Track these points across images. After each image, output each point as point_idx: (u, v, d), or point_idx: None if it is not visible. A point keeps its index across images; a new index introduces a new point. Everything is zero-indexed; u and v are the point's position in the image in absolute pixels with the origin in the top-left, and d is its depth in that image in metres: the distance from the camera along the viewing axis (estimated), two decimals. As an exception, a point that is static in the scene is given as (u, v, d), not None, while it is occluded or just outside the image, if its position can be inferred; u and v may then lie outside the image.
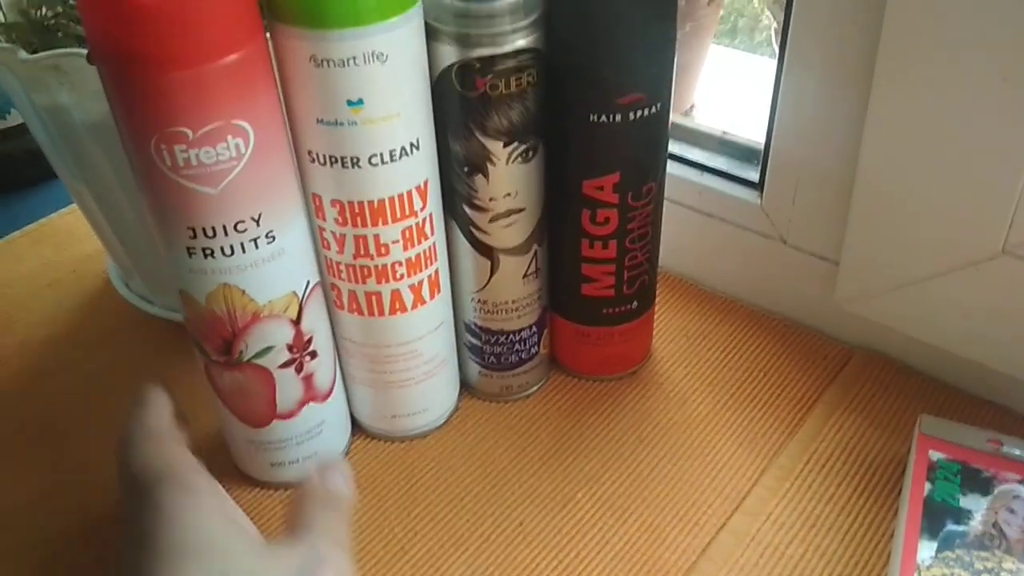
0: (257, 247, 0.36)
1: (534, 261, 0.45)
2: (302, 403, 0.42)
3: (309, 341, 0.40)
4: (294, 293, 0.38)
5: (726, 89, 0.76)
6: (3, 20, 0.44)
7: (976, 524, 0.39)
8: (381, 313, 0.42)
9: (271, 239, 0.36)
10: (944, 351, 0.46)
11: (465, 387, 0.49)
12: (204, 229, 0.35)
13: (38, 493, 0.45)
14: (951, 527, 0.38)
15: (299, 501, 0.34)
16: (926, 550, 0.38)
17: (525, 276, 0.45)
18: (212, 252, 0.35)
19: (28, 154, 0.67)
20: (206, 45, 0.31)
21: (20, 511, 0.44)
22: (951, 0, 0.37)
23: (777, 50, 0.47)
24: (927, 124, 0.40)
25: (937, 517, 0.39)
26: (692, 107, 0.73)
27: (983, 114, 0.38)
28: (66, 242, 0.62)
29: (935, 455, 0.41)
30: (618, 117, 0.40)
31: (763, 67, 0.73)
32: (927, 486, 0.40)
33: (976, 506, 0.39)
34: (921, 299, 0.45)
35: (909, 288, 0.45)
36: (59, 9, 0.42)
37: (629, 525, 0.42)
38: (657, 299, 0.50)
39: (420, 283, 0.41)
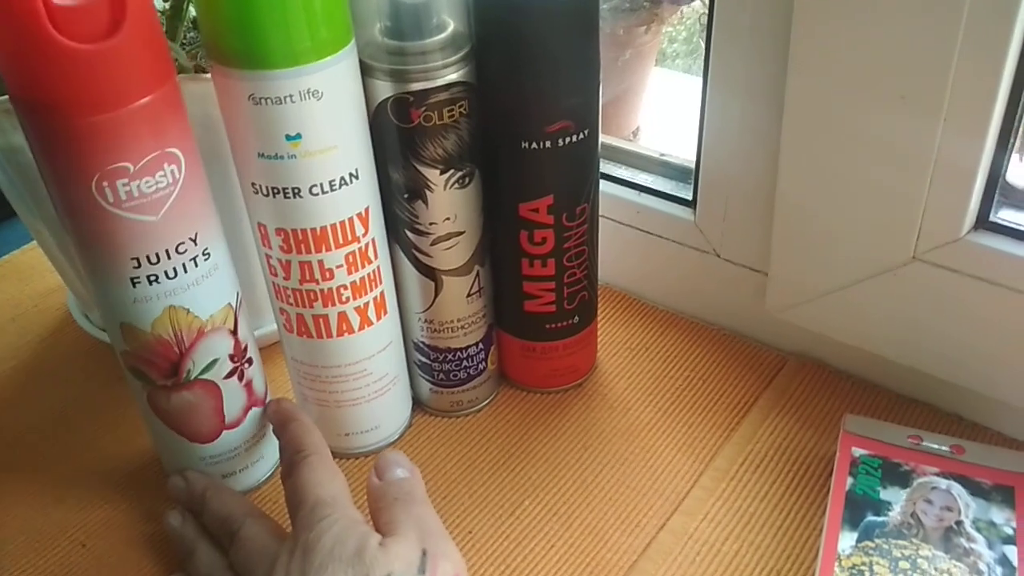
0: (196, 265, 0.38)
1: (477, 281, 0.47)
2: (246, 409, 0.44)
3: (245, 348, 0.43)
4: (229, 305, 0.41)
5: (674, 111, 0.79)
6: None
7: (895, 515, 0.41)
8: (329, 335, 0.44)
9: (207, 256, 0.39)
10: (869, 353, 0.49)
11: (417, 404, 0.51)
12: (148, 256, 0.37)
13: (13, 519, 0.47)
14: (871, 518, 0.41)
15: (376, 509, 0.38)
16: (847, 540, 0.40)
17: (469, 295, 0.47)
18: (157, 277, 0.37)
19: (-10, 193, 0.69)
20: (140, 82, 0.34)
21: (-14, 539, 0.46)
22: (852, 25, 0.40)
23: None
24: (837, 139, 0.43)
25: (858, 509, 0.41)
26: (637, 130, 0.76)
27: (887, 130, 0.41)
28: (28, 277, 0.63)
29: (858, 451, 0.44)
30: (548, 144, 0.42)
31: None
32: (849, 480, 0.43)
33: (896, 498, 0.42)
34: (844, 305, 0.47)
35: (833, 295, 0.48)
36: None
37: (574, 529, 0.44)
38: (600, 313, 0.52)
39: (366, 305, 0.43)
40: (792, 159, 0.45)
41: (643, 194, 0.55)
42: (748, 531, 0.44)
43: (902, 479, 0.43)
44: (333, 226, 0.40)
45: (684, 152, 0.55)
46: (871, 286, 0.46)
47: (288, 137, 0.37)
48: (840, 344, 0.50)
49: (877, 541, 0.40)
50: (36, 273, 0.64)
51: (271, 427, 0.44)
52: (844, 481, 0.42)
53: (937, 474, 0.43)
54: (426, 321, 0.47)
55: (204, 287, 0.38)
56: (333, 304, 0.42)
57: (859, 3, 0.39)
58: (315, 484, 0.38)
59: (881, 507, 0.41)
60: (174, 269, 0.37)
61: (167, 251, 0.37)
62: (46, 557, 0.45)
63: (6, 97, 0.40)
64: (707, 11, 0.47)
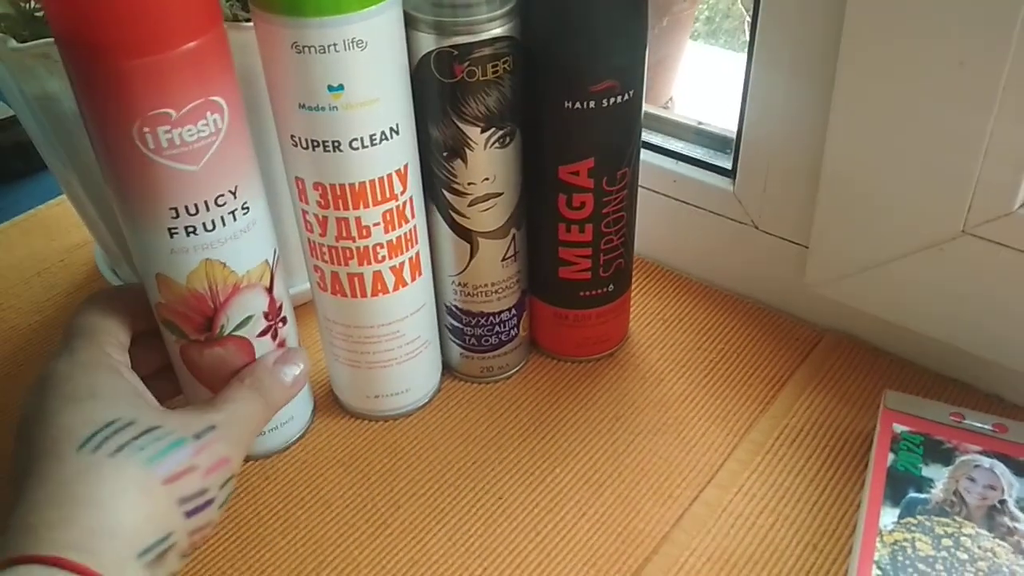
0: (235, 219, 0.37)
1: (512, 245, 0.46)
2: None
3: (280, 307, 0.42)
4: (266, 262, 0.40)
5: (703, 84, 0.77)
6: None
7: (937, 492, 0.40)
8: (364, 295, 0.43)
9: (246, 210, 0.38)
10: (910, 330, 0.48)
11: (447, 368, 0.51)
12: (187, 207, 0.36)
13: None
14: (913, 495, 0.40)
15: (240, 374, 0.38)
16: (888, 516, 0.39)
17: (504, 259, 0.46)
18: (195, 229, 0.36)
19: (16, 146, 0.69)
20: (186, 26, 0.33)
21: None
22: (909, -10, 0.38)
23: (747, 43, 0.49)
24: (888, 111, 0.42)
25: (900, 485, 0.40)
26: (670, 100, 0.74)
27: (942, 100, 0.40)
28: (55, 232, 0.63)
29: (899, 427, 0.43)
30: (591, 104, 0.41)
31: (738, 63, 0.75)
32: (890, 456, 0.42)
33: (938, 475, 0.41)
34: (887, 280, 0.46)
35: (876, 270, 0.47)
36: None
37: (605, 498, 0.44)
38: (633, 284, 0.51)
39: (401, 265, 0.43)
40: (841, 130, 0.44)
41: (680, 163, 0.54)
42: (783, 505, 0.43)
43: (944, 456, 0.42)
44: (372, 182, 0.39)
45: (717, 121, 0.54)
46: (916, 261, 0.45)
47: (330, 88, 0.36)
48: (879, 320, 0.49)
49: (919, 518, 0.39)
50: (62, 228, 0.63)
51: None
52: (885, 457, 0.42)
53: (980, 452, 0.42)
54: (459, 284, 0.47)
55: (242, 242, 0.38)
56: (368, 263, 0.42)
57: (921, -35, 0.38)
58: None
59: (923, 484, 0.40)
60: (212, 222, 0.36)
61: (206, 203, 0.36)
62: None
63: (40, 41, 0.40)
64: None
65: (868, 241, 0.46)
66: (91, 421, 0.33)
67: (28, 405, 0.34)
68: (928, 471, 0.41)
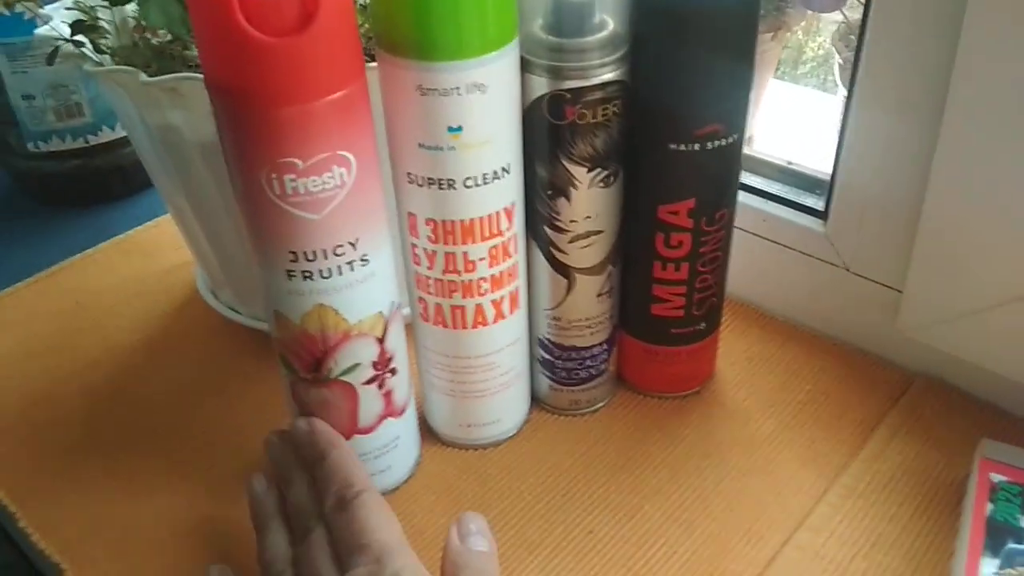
0: (352, 269, 0.38)
1: (608, 281, 0.47)
2: (381, 418, 0.44)
3: (391, 359, 0.43)
4: (381, 313, 0.41)
5: (783, 120, 0.78)
6: (116, 44, 0.48)
7: (1037, 545, 0.40)
8: (464, 326, 0.44)
9: (365, 262, 0.39)
10: (1004, 378, 0.47)
11: (535, 400, 0.51)
12: (305, 253, 0.37)
13: (142, 488, 0.48)
14: (1012, 545, 0.40)
15: (449, 570, 0.37)
16: (988, 566, 0.39)
17: (599, 295, 0.47)
18: (311, 275, 0.38)
19: (117, 170, 0.71)
20: (322, 81, 0.34)
21: (112, 505, 0.47)
22: (1022, 44, 0.39)
23: (841, 84, 0.49)
24: (994, 159, 0.42)
25: (999, 536, 0.40)
26: (751, 138, 0.75)
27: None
28: (153, 253, 0.65)
29: (996, 477, 0.43)
30: (696, 146, 0.42)
31: (813, 99, 0.76)
32: (988, 506, 0.41)
33: (1037, 528, 0.41)
34: (982, 328, 0.46)
35: (970, 317, 0.46)
36: (178, 35, 0.45)
37: (695, 537, 0.44)
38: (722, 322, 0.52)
39: (502, 299, 0.44)
40: (944, 176, 0.44)
41: (770, 202, 0.55)
42: (876, 551, 0.43)
43: (1043, 509, 0.41)
44: (481, 219, 0.40)
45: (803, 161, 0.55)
46: (1012, 310, 0.45)
47: (450, 129, 0.37)
48: (972, 366, 0.49)
49: (1019, 569, 0.39)
50: (161, 249, 0.65)
51: (323, 447, 0.41)
52: (984, 506, 0.41)
53: (1080, 506, 0.41)
54: (554, 318, 0.47)
55: (357, 292, 0.39)
56: (472, 296, 0.43)
57: (1034, 19, 0.38)
58: (376, 528, 0.37)
59: (1022, 535, 0.40)
60: (329, 269, 0.38)
61: (324, 251, 0.37)
62: (174, 529, 0.46)
63: (170, 76, 0.42)
64: (860, 18, 0.46)
65: (964, 288, 0.46)
66: None
67: None
68: (1027, 523, 0.41)
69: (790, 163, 0.56)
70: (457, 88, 0.37)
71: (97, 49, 0.45)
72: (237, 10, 0.31)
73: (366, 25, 0.42)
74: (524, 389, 0.49)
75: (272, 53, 0.32)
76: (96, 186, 0.71)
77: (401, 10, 0.36)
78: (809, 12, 0.65)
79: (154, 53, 0.46)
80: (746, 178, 0.56)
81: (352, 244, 0.38)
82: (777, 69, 0.76)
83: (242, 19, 0.31)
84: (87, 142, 0.70)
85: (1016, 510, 0.41)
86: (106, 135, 0.70)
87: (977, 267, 0.45)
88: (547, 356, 0.49)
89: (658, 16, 0.40)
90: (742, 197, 0.55)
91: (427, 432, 0.50)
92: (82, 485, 0.48)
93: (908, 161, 0.46)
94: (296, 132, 0.34)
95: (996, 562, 0.39)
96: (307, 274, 0.38)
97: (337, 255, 0.37)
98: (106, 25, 0.48)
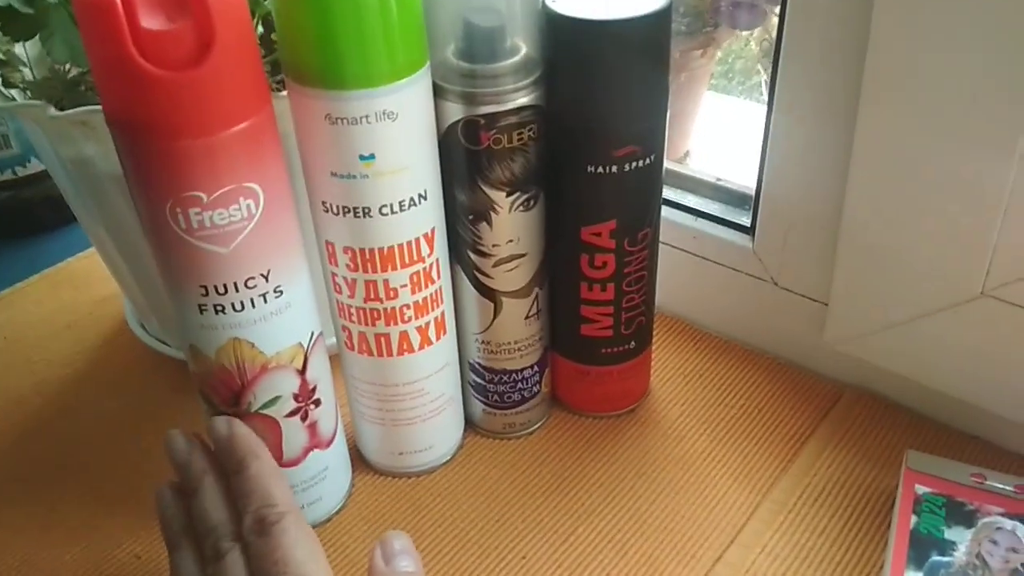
0: (266, 301, 0.38)
1: (535, 303, 0.47)
2: (307, 450, 0.43)
3: (314, 390, 0.42)
4: (300, 344, 0.40)
5: (720, 135, 0.78)
6: (31, 78, 0.47)
7: (960, 555, 0.40)
8: (390, 354, 0.44)
9: (279, 293, 0.38)
10: (930, 389, 0.48)
11: (469, 425, 0.51)
12: (216, 287, 0.37)
13: (71, 528, 0.47)
14: (936, 558, 0.40)
15: None
16: (912, 580, 0.39)
17: (527, 318, 0.47)
18: (223, 308, 0.37)
19: (47, 200, 0.70)
20: (222, 114, 0.34)
21: (42, 546, 0.46)
22: (928, 50, 0.39)
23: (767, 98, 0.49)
24: (908, 170, 0.42)
25: (923, 548, 0.41)
26: (687, 153, 0.75)
27: (961, 159, 0.41)
28: (83, 285, 0.64)
29: (921, 489, 0.43)
30: (614, 168, 0.42)
31: (755, 112, 0.76)
32: (913, 518, 0.42)
33: (960, 537, 0.41)
34: (907, 339, 0.47)
35: (895, 328, 0.47)
36: (85, 68, 0.45)
37: (629, 558, 0.44)
38: (654, 339, 0.52)
39: (427, 325, 0.43)
40: (860, 189, 0.44)
41: (699, 219, 0.55)
42: (806, 566, 0.43)
43: (966, 518, 0.42)
44: (400, 246, 0.40)
45: (734, 176, 0.55)
46: (936, 321, 0.45)
47: (362, 157, 0.37)
48: (900, 377, 0.49)
49: (943, 582, 0.39)
50: (91, 280, 0.64)
51: (237, 454, 0.38)
52: (908, 519, 0.42)
53: (1002, 514, 0.42)
54: (483, 342, 0.47)
55: (272, 323, 0.38)
56: (395, 323, 0.42)
57: (938, 32, 0.38)
58: (301, 560, 0.34)
59: (946, 547, 0.41)
60: (241, 302, 0.37)
61: (235, 284, 0.37)
62: (101, 570, 0.45)
63: (80, 110, 0.41)
64: (775, 35, 0.46)
65: (887, 300, 0.47)
66: None
67: None
68: (950, 533, 0.41)
69: (719, 180, 0.56)
70: (367, 116, 0.36)
71: (7, 83, 0.45)
72: (130, 44, 0.31)
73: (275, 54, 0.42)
74: (457, 414, 0.49)
75: (168, 86, 0.32)
76: (25, 217, 0.70)
77: (306, 38, 0.35)
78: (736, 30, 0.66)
79: (68, 86, 0.45)
80: (676, 196, 0.56)
81: (264, 276, 0.37)
82: (712, 82, 0.77)
83: (135, 53, 0.31)
84: (15, 174, 0.68)
85: (940, 522, 0.42)
86: (35, 166, 0.69)
87: (899, 279, 0.46)
88: (479, 380, 0.49)
89: (570, 40, 0.40)
90: (672, 215, 0.55)
91: (359, 461, 0.49)
92: (10, 526, 0.47)
93: (827, 174, 0.47)
94: (199, 165, 0.34)
95: (920, 574, 0.40)
96: (219, 308, 0.37)
97: (249, 287, 0.37)
98: (23, 58, 0.47)
